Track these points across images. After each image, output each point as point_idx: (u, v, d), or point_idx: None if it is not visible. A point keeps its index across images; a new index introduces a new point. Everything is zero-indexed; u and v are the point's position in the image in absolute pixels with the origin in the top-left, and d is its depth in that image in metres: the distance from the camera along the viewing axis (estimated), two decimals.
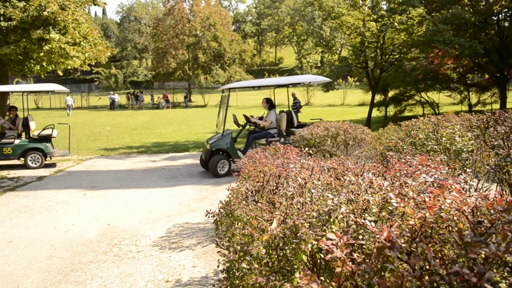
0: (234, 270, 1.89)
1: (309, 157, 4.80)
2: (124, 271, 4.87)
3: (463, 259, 1.46)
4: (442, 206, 1.65)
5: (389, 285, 1.25)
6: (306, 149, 4.72)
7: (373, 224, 1.61)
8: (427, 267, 1.36)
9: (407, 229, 1.51)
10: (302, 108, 21.35)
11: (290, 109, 20.41)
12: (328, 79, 12.95)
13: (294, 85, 12.96)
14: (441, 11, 18.68)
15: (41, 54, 14.30)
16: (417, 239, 1.51)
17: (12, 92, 14.91)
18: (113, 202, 7.98)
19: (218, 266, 2.31)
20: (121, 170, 11.26)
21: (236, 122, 10.70)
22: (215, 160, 9.94)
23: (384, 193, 2.03)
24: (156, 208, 7.51)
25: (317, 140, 7.26)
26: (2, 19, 13.46)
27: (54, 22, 14.13)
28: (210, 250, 5.42)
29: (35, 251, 5.58)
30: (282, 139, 10.27)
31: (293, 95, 20.88)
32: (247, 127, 11.02)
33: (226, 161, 10.07)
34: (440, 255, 1.38)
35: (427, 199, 1.79)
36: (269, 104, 10.98)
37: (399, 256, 1.39)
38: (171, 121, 26.45)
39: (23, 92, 13.38)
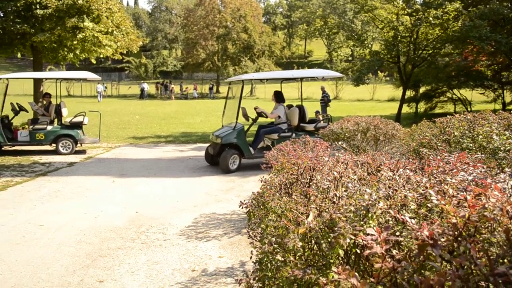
0: (268, 262, 1.87)
1: (340, 151, 4.73)
2: (151, 259, 4.93)
3: (508, 259, 1.40)
4: (486, 205, 1.59)
5: (432, 283, 1.21)
6: (340, 143, 4.65)
7: (413, 221, 1.56)
8: (472, 267, 1.30)
9: (449, 227, 1.46)
10: (331, 102, 21.10)
11: (320, 102, 20.27)
12: (340, 74, 12.65)
13: (306, 79, 12.55)
14: (478, 6, 18.12)
15: (75, 42, 14.57)
16: (460, 238, 1.45)
17: (46, 78, 15.25)
18: (141, 190, 8.09)
19: (250, 257, 2.29)
20: (149, 158, 11.39)
21: (245, 115, 10.15)
22: (227, 155, 9.51)
23: (423, 190, 1.98)
24: (183, 197, 7.57)
25: (346, 134, 7.16)
26: (38, 7, 13.76)
27: (88, 10, 14.37)
28: (237, 241, 5.43)
29: (65, 235, 5.70)
30: (294, 135, 9.79)
31: (322, 88, 20.69)
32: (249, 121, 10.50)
33: (237, 156, 9.64)
34: (485, 255, 1.33)
35: (468, 197, 1.72)
36: (277, 97, 10.43)
37: (442, 254, 1.34)
38: (199, 111, 26.62)
39: (57, 79, 13.67)
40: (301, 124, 10.50)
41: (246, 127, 10.17)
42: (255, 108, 10.27)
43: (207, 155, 10.39)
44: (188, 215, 6.56)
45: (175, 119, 22.25)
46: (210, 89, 46.12)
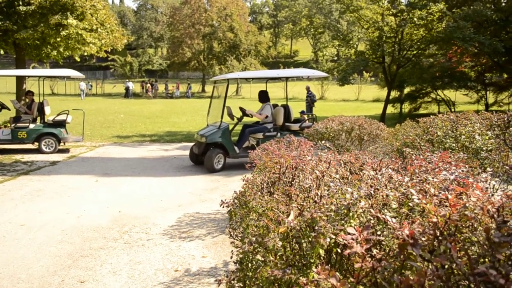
0: (248, 262, 1.85)
1: (324, 150, 4.73)
2: (133, 259, 4.87)
3: (488, 259, 1.40)
4: (467, 204, 1.59)
5: (412, 283, 1.20)
6: (323, 142, 4.65)
7: (394, 220, 1.56)
8: (452, 266, 1.30)
9: (430, 227, 1.45)
10: (316, 102, 21.14)
11: (305, 102, 20.30)
12: (325, 74, 12.70)
13: (292, 78, 12.53)
14: (462, 8, 18.35)
15: (58, 39, 14.38)
16: (440, 237, 1.45)
17: (28, 76, 15.02)
18: (125, 190, 8.00)
19: (231, 257, 2.27)
20: (134, 158, 11.29)
21: (230, 114, 10.09)
22: (212, 154, 9.45)
23: (404, 189, 1.97)
24: (167, 197, 7.51)
25: (331, 134, 7.18)
26: (21, 3, 13.55)
27: (72, 7, 14.19)
28: (220, 241, 5.40)
29: (47, 235, 5.61)
30: (279, 134, 9.77)
31: (307, 88, 20.71)
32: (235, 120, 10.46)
33: (222, 156, 9.61)
34: (466, 255, 1.32)
35: (449, 196, 1.72)
36: (264, 97, 10.42)
37: (422, 254, 1.33)
38: (185, 110, 26.48)
39: (40, 77, 13.46)
40: (286, 124, 10.45)
41: (231, 127, 10.08)
42: (240, 108, 10.21)
43: (192, 155, 10.29)
44: (172, 214, 6.50)
45: (160, 118, 22.10)
46: (189, 88, 45.91)
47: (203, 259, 4.84)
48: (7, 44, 15.43)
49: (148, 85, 44.76)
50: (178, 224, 6.08)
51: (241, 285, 1.96)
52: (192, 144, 11.09)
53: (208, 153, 9.46)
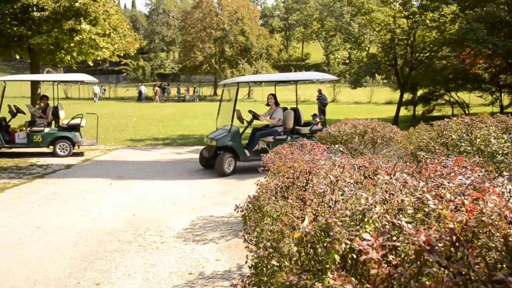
0: (263, 267, 1.86)
1: (337, 154, 4.72)
2: (148, 261, 4.91)
3: (506, 265, 1.39)
4: (484, 210, 1.58)
5: None
6: (337, 146, 4.65)
7: (409, 225, 1.55)
8: (469, 273, 1.29)
9: (447, 233, 1.45)
10: (327, 105, 21.07)
11: (317, 104, 20.24)
12: (336, 77, 12.61)
13: (303, 82, 12.35)
14: (475, 9, 18.17)
15: (72, 44, 14.56)
16: (457, 244, 1.44)
17: (43, 81, 15.23)
18: (139, 193, 8.06)
19: (246, 262, 2.28)
20: (147, 161, 11.37)
21: (240, 118, 9.92)
22: (223, 158, 9.39)
23: (420, 194, 1.97)
24: (181, 200, 7.55)
25: (344, 137, 7.16)
26: (35, 9, 13.73)
27: (85, 13, 14.36)
28: (234, 244, 5.41)
29: (62, 237, 5.68)
30: (289, 138, 9.71)
31: (319, 91, 20.66)
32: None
33: (233, 159, 9.56)
34: (483, 261, 1.32)
35: (466, 202, 1.71)
36: (275, 100, 10.41)
37: (439, 260, 1.33)
38: (197, 114, 26.57)
39: (54, 81, 13.64)
40: (296, 127, 10.43)
41: (241, 130, 10.08)
42: (250, 111, 10.11)
43: (202, 158, 10.23)
44: (185, 217, 6.53)
45: (173, 122, 22.22)
46: (194, 92, 45.92)
47: (217, 263, 4.86)
48: (22, 49, 15.66)
49: (156, 88, 44.89)
50: (191, 227, 6.11)
51: None
52: (202, 147, 11.00)
53: (219, 157, 9.43)
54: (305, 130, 10.34)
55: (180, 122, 21.86)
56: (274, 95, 10.43)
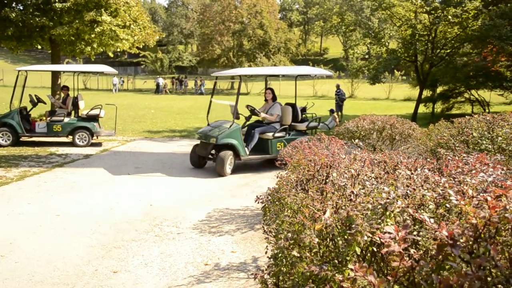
0: (283, 258, 1.87)
1: (355, 149, 4.70)
2: (164, 251, 4.97)
3: None
4: (507, 207, 1.56)
5: (452, 283, 1.20)
6: (356, 141, 4.63)
7: (431, 220, 1.55)
8: (492, 268, 1.29)
9: (469, 228, 1.44)
10: (345, 100, 20.94)
11: (334, 100, 20.14)
12: (330, 73, 12.20)
13: (299, 76, 11.47)
14: (498, 5, 17.80)
15: (93, 35, 14.70)
16: (479, 239, 1.44)
17: (64, 71, 15.42)
18: (156, 183, 8.14)
19: (266, 252, 2.30)
20: (164, 152, 11.46)
21: (236, 113, 9.35)
22: (225, 157, 8.70)
23: (441, 190, 1.96)
24: (197, 191, 7.60)
25: (362, 133, 7.13)
26: (57, 0, 13.89)
27: (106, 4, 14.48)
28: (249, 237, 5.44)
29: (81, 226, 5.78)
30: (287, 135, 9.44)
31: (337, 86, 20.55)
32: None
33: (233, 158, 8.94)
34: (506, 257, 1.31)
35: (489, 198, 1.70)
36: (273, 95, 9.91)
37: (461, 255, 1.33)
38: (214, 107, 26.58)
39: (75, 72, 13.81)
40: (293, 123, 9.85)
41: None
42: (248, 106, 9.70)
43: (194, 157, 9.48)
44: (201, 209, 6.59)
45: (190, 114, 22.32)
46: (201, 85, 45.54)
47: (232, 254, 4.90)
48: (44, 40, 15.87)
49: (164, 81, 44.92)
50: (208, 218, 6.16)
51: (274, 280, 1.99)
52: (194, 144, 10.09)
53: (221, 155, 8.71)
54: (302, 126, 9.92)
55: (197, 115, 21.95)
56: (272, 90, 10.06)
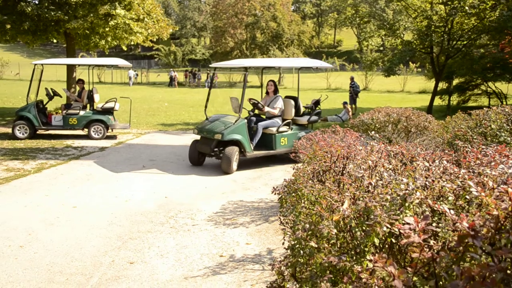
0: (300, 248, 1.87)
1: (371, 141, 4.67)
2: (180, 243, 5.01)
3: None
4: None
5: (474, 274, 1.19)
6: (372, 133, 4.59)
7: (452, 211, 1.53)
8: None
9: (491, 219, 1.42)
10: (359, 92, 20.77)
11: (348, 93, 20.00)
12: (331, 66, 11.63)
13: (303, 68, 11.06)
14: None
15: (107, 29, 14.77)
16: (501, 231, 1.42)
17: (79, 65, 15.56)
18: (170, 176, 8.19)
19: (283, 243, 2.30)
20: (178, 145, 11.51)
21: (237, 107, 8.96)
22: (231, 153, 8.25)
23: (461, 181, 1.93)
24: (211, 184, 7.63)
25: (377, 125, 7.07)
26: None
27: None
28: (264, 229, 5.46)
29: (97, 217, 5.85)
30: (290, 130, 9.11)
31: (352, 79, 20.39)
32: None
33: (238, 155, 8.48)
34: None
35: (510, 190, 1.67)
36: (275, 88, 9.49)
37: (483, 246, 1.31)
38: (227, 100, 26.59)
39: (89, 65, 13.92)
40: (294, 117, 9.53)
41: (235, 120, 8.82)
42: (250, 100, 9.21)
43: (193, 154, 8.97)
44: (216, 201, 6.62)
45: (203, 107, 22.33)
46: (194, 75, 44.96)
47: (247, 246, 4.92)
48: (59, 34, 16.00)
49: (175, 74, 44.84)
50: (222, 211, 6.19)
51: (291, 271, 1.99)
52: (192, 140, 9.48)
53: (227, 152, 8.26)
54: (303, 120, 9.62)
55: (210, 108, 21.95)
56: (274, 82, 9.62)
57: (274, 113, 9.13)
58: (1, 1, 14.68)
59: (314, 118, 9.82)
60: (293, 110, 9.45)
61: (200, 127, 8.95)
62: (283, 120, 9.22)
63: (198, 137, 9.27)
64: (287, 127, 9.16)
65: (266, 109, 9.07)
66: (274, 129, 8.96)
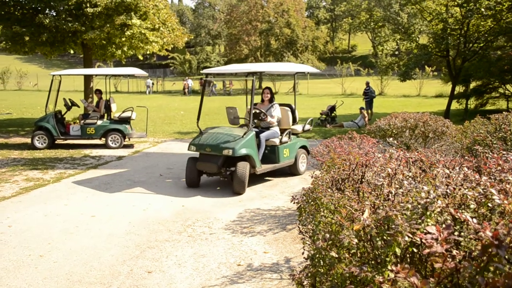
0: (320, 258, 1.86)
1: (387, 148, 4.63)
2: (197, 252, 5.01)
3: None
4: None
5: (499, 285, 1.16)
6: (391, 139, 4.55)
7: (474, 220, 1.51)
8: None
9: None
10: (375, 98, 20.63)
11: (364, 98, 19.89)
12: (317, 70, 10.99)
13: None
14: None
15: (123, 39, 14.99)
16: None
17: (96, 75, 15.79)
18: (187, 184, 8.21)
19: (303, 253, 2.28)
20: (195, 154, 11.54)
21: (236, 118, 8.49)
22: (244, 170, 7.30)
23: (483, 189, 1.90)
24: (228, 192, 7.63)
25: (394, 131, 7.01)
26: (88, 5, 14.22)
27: (136, 8, 14.72)
28: (281, 238, 5.43)
29: (115, 226, 5.89)
30: (290, 140, 8.51)
31: (367, 84, 20.27)
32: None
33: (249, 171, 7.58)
34: None
35: None
36: (272, 95, 8.75)
37: (507, 256, 1.29)
38: (242, 107, 26.66)
39: (106, 75, 14.11)
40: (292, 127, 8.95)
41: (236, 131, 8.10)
42: (259, 114, 8.30)
43: (193, 174, 7.86)
44: (233, 210, 6.62)
45: (219, 115, 22.42)
46: (214, 85, 43.85)
47: (265, 255, 4.90)
48: (76, 45, 16.29)
49: (185, 82, 45.03)
50: (239, 219, 6.18)
51: (311, 281, 1.97)
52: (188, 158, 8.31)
53: (240, 170, 7.27)
54: (299, 129, 9.03)
55: (225, 116, 22.03)
56: (270, 89, 8.86)
57: (273, 123, 8.43)
58: (20, 13, 15.03)
59: (307, 127, 9.30)
60: (291, 119, 8.87)
61: (199, 142, 7.87)
62: (280, 129, 8.58)
63: (194, 153, 8.29)
64: (287, 137, 8.50)
65: (269, 119, 8.33)
66: (276, 140, 8.24)
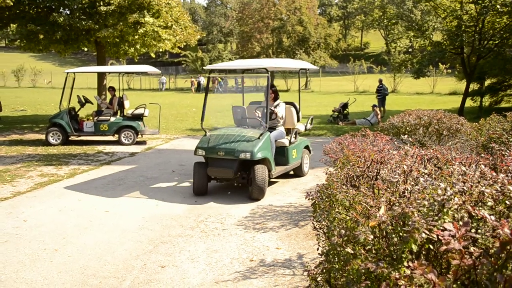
0: (335, 254, 1.86)
1: (401, 145, 4.60)
2: (210, 247, 5.04)
3: None
4: None
5: None
6: (405, 136, 4.52)
7: (492, 217, 1.49)
8: None
9: None
10: (387, 95, 20.49)
11: (377, 95, 19.76)
12: (316, 67, 10.60)
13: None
14: None
15: (136, 37, 15.06)
16: None
17: (109, 72, 15.90)
18: None
19: (317, 249, 2.29)
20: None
21: (244, 118, 8.09)
22: (264, 175, 6.75)
23: (500, 186, 1.88)
24: (240, 188, 7.63)
25: (407, 128, 6.96)
26: (101, 4, 14.31)
27: (149, 6, 14.78)
28: (294, 234, 5.43)
29: (128, 221, 5.94)
30: (297, 140, 8.19)
31: (380, 81, 20.14)
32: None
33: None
34: None
35: None
36: (276, 94, 8.30)
37: None
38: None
39: (119, 73, 14.20)
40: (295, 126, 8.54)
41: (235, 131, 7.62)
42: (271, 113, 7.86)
43: (201, 181, 7.14)
44: (245, 206, 6.63)
45: (230, 112, 22.46)
46: (219, 83, 43.42)
47: (277, 251, 4.90)
48: (89, 43, 16.43)
49: (193, 79, 45.06)
50: (251, 215, 6.19)
51: (326, 277, 1.97)
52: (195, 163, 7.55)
53: (259, 175, 6.72)
54: (302, 129, 8.58)
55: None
56: (274, 87, 8.46)
57: (280, 122, 8.11)
58: (34, 12, 15.18)
59: (309, 126, 8.89)
60: (296, 118, 8.38)
61: (209, 146, 7.18)
62: (285, 129, 8.22)
63: (200, 158, 7.64)
64: (295, 137, 8.10)
65: (279, 119, 8.02)
66: (285, 141, 7.78)
